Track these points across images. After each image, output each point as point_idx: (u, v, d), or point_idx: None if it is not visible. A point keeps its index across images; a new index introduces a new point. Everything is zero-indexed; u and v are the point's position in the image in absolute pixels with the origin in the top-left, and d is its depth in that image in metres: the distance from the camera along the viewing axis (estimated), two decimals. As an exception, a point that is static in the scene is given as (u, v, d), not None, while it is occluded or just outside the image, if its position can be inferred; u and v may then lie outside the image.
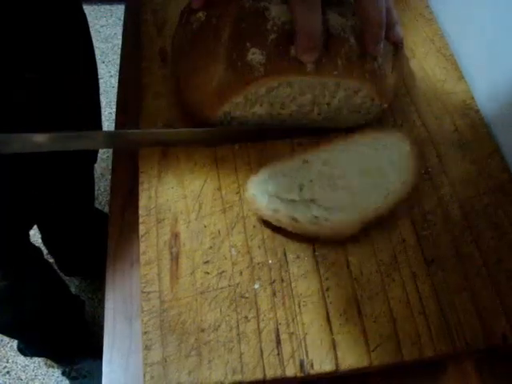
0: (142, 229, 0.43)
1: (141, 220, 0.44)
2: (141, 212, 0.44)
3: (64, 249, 1.23)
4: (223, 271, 0.41)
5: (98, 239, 0.73)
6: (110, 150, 1.21)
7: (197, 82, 0.46)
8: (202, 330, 0.39)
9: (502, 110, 0.51)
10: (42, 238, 1.19)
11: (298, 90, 0.46)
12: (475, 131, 0.51)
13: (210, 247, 0.43)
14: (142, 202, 0.45)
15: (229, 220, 0.44)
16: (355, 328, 0.40)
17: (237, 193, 0.46)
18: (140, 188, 0.46)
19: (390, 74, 0.47)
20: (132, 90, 0.55)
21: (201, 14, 0.46)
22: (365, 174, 0.45)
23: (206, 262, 0.42)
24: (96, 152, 0.98)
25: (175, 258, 0.42)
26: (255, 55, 0.42)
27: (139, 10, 0.59)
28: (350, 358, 0.38)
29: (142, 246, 0.42)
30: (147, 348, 0.38)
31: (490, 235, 0.45)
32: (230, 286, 0.41)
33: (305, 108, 0.48)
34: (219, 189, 0.46)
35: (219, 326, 0.39)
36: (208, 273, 0.41)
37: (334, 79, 0.45)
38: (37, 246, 0.98)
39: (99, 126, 0.92)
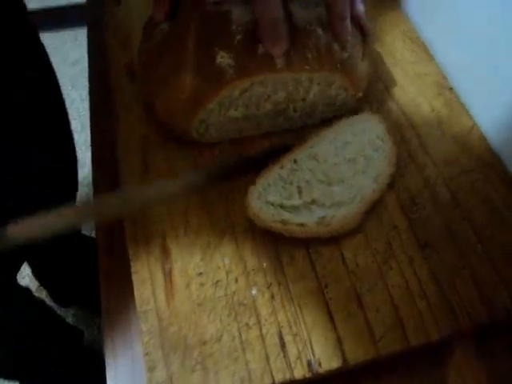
0: (131, 248, 0.42)
1: (129, 240, 0.43)
2: (128, 232, 0.43)
3: (55, 280, 1.20)
4: (218, 281, 0.41)
5: (88, 266, 0.71)
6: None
7: (168, 93, 0.45)
8: (204, 343, 0.38)
9: (475, 85, 0.51)
10: (32, 272, 1.17)
11: (271, 89, 0.45)
12: (451, 109, 0.52)
13: (202, 259, 0.42)
14: (128, 222, 0.44)
15: (218, 230, 0.43)
16: (358, 321, 0.39)
17: (224, 202, 0.45)
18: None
19: (360, 62, 0.47)
20: (104, 112, 0.54)
21: (165, 26, 0.45)
22: (352, 161, 0.45)
23: (200, 274, 0.41)
24: (76, 181, 0.96)
25: (168, 274, 0.41)
26: (224, 58, 0.42)
27: (101, 29, 0.58)
28: (357, 352, 0.38)
29: (134, 266, 0.42)
30: (151, 369, 0.37)
31: (480, 211, 0.45)
32: (226, 294, 0.40)
33: (280, 106, 0.47)
34: (205, 202, 0.45)
35: (221, 336, 0.38)
36: (203, 284, 0.40)
37: (306, 74, 0.44)
38: (24, 287, 0.95)
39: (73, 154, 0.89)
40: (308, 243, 0.43)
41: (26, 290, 0.95)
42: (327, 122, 0.49)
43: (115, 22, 0.58)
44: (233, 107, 0.46)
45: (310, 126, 0.50)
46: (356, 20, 0.45)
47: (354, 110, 0.50)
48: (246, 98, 0.45)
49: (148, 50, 0.47)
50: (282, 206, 0.43)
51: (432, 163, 0.48)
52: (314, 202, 0.43)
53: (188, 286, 0.40)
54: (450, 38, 0.54)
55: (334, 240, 0.43)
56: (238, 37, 0.42)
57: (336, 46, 0.44)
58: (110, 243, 0.47)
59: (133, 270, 0.41)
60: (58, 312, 1.24)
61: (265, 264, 0.42)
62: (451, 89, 0.53)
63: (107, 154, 0.51)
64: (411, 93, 0.53)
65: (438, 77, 0.54)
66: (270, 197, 0.43)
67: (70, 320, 1.33)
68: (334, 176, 0.44)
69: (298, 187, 0.44)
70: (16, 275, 0.86)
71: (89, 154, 0.52)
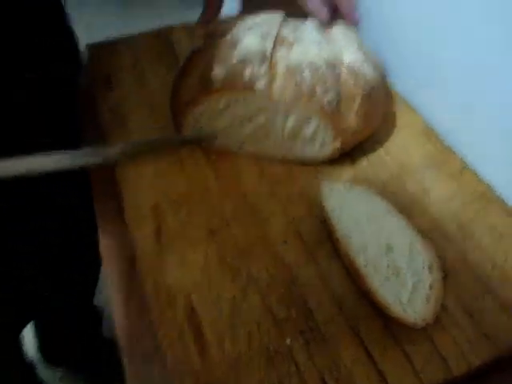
0: (155, 312, 0.42)
1: (152, 304, 0.42)
2: (149, 296, 0.43)
3: (53, 338, 1.15)
4: (250, 332, 0.40)
5: (91, 333, 0.69)
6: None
7: (175, 92, 0.54)
8: (247, 397, 0.37)
9: (460, 130, 0.55)
10: (34, 328, 1.11)
11: (253, 110, 0.51)
12: (441, 152, 0.55)
13: (231, 313, 0.41)
14: (148, 286, 0.44)
15: (240, 284, 0.43)
16: (396, 353, 0.39)
17: (241, 255, 0.46)
18: (141, 273, 0.45)
19: (350, 113, 0.50)
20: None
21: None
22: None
23: (231, 328, 0.40)
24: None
25: (198, 332, 0.40)
26: (219, 70, 0.49)
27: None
28: (401, 384, 0.37)
29: (161, 329, 0.41)
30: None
31: (487, 240, 0.47)
32: (261, 346, 0.39)
33: (260, 131, 0.53)
34: (223, 256, 0.46)
35: (263, 388, 0.37)
36: (236, 338, 0.40)
37: (283, 105, 0.50)
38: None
39: None
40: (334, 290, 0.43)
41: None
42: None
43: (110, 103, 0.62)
44: (220, 117, 0.52)
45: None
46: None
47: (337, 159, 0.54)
48: (231, 112, 0.52)
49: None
50: None
51: (435, 201, 0.50)
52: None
53: (220, 341, 0.40)
54: (427, 90, 0.59)
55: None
56: (236, 59, 0.49)
57: (319, 89, 0.48)
58: (126, 308, 0.46)
59: (160, 333, 0.41)
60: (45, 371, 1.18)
61: (294, 313, 0.41)
62: (437, 136, 0.57)
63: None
64: (400, 141, 0.57)
65: (423, 126, 0.59)
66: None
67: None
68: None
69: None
70: (20, 332, 0.82)
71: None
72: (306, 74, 0.48)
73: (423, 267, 0.42)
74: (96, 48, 0.71)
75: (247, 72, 0.48)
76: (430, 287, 0.41)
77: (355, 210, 0.46)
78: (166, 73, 0.66)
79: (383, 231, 0.44)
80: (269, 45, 0.50)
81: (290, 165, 0.54)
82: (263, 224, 0.48)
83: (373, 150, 0.56)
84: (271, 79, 0.49)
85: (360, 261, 0.42)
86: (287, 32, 0.52)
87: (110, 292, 0.48)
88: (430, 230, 0.47)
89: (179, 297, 0.43)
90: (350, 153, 0.54)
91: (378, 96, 0.53)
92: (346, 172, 0.54)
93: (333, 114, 0.49)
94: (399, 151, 0.56)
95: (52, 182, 0.58)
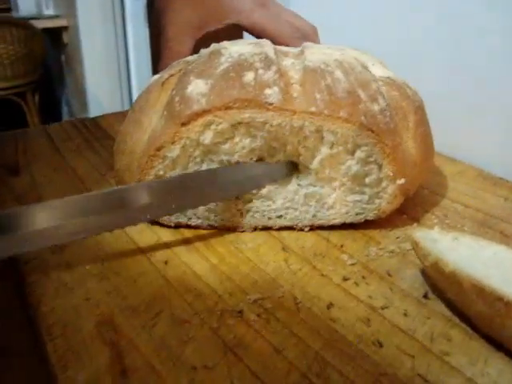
0: None
1: None
2: None
3: None
4: None
5: None
6: None
7: (125, 142, 0.35)
8: None
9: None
10: None
11: (260, 138, 0.32)
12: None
13: None
14: None
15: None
16: None
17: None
18: None
19: (407, 137, 0.35)
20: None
21: None
22: None
23: None
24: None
25: None
26: (197, 85, 0.31)
27: None
28: None
29: None
30: None
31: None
32: None
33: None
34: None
35: None
36: None
37: (309, 119, 0.31)
38: None
39: None
40: None
41: None
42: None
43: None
44: (201, 160, 0.33)
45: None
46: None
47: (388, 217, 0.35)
48: (218, 149, 0.33)
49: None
50: None
51: None
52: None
53: None
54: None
55: None
56: (224, 66, 0.32)
57: (363, 94, 0.32)
58: None
59: None
60: None
61: None
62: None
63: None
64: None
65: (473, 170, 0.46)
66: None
67: None
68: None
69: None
70: None
71: None
72: (339, 75, 0.32)
73: None
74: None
75: (247, 79, 0.31)
76: None
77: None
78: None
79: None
80: (269, 50, 0.34)
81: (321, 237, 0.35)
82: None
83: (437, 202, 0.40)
84: (287, 86, 0.31)
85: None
86: (286, 48, 0.37)
87: None
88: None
89: None
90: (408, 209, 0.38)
91: (426, 119, 0.38)
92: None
93: (389, 134, 0.32)
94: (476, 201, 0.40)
95: None
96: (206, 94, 0.31)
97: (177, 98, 0.32)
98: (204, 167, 0.33)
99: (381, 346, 0.25)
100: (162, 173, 0.33)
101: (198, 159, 0.33)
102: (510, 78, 0.45)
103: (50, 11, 2.20)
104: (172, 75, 0.36)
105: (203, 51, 0.37)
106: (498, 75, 0.45)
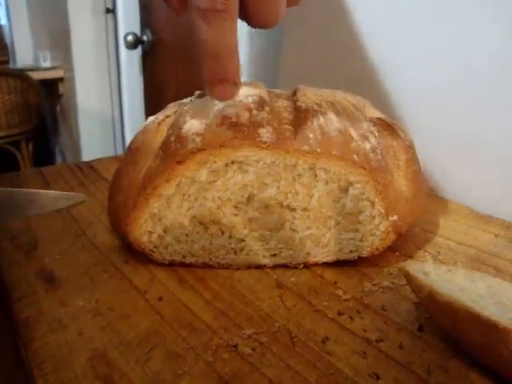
0: None
1: None
2: None
3: None
4: None
5: None
6: None
7: (124, 179, 0.35)
8: None
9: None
10: None
11: (255, 179, 0.33)
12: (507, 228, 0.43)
13: None
14: None
15: None
16: None
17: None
18: None
19: (398, 175, 0.36)
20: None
21: None
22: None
23: None
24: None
25: None
26: (193, 125, 0.32)
27: None
28: None
29: None
30: None
31: None
32: None
33: (270, 217, 0.34)
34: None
35: None
36: None
37: (303, 158, 0.32)
38: None
39: None
40: None
41: None
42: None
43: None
44: (198, 203, 0.34)
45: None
46: None
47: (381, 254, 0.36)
48: (216, 191, 0.33)
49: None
50: None
51: None
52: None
53: None
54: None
55: None
56: (219, 106, 0.33)
57: (355, 133, 0.33)
58: None
59: None
60: None
61: None
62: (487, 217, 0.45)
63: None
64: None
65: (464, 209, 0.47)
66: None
67: None
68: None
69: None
70: None
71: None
72: (331, 116, 0.33)
73: None
74: None
75: (241, 119, 0.32)
76: None
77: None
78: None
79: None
80: (263, 92, 0.35)
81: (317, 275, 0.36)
82: None
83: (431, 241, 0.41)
84: (280, 125, 0.32)
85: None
86: (279, 91, 0.38)
87: None
88: None
89: None
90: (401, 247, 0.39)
91: (417, 158, 0.39)
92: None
93: (381, 171, 0.33)
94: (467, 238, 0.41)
95: None
96: (201, 134, 0.32)
97: (172, 138, 0.33)
98: (197, 206, 0.34)
99: (378, 378, 0.25)
100: (156, 211, 0.34)
101: (191, 197, 0.34)
102: (497, 117, 0.46)
103: (47, 63, 2.25)
104: (168, 116, 0.38)
105: (198, 93, 0.39)
106: (486, 114, 0.47)
